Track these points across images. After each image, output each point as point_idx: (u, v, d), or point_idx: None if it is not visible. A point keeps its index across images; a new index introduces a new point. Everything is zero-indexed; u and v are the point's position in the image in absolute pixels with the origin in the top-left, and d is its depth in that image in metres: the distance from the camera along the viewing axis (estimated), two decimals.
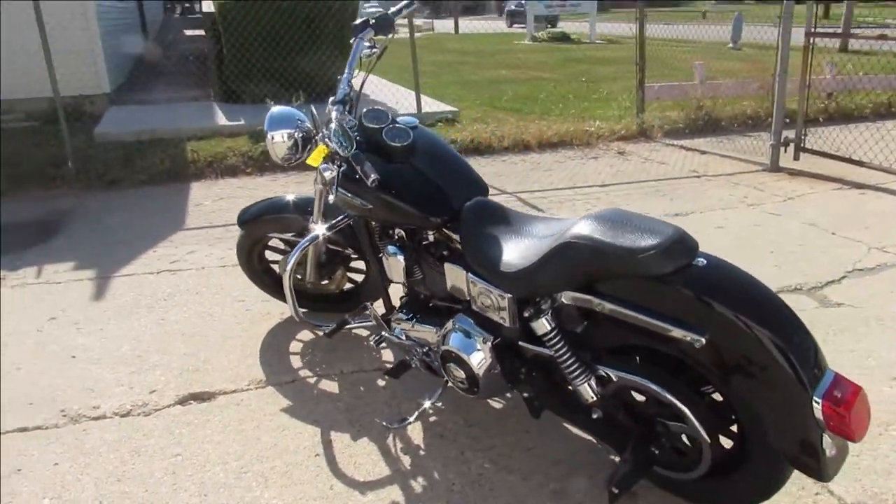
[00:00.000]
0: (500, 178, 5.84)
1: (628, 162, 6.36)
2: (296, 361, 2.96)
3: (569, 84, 10.93)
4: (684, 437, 1.99)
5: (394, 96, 7.89)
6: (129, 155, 6.20)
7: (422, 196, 2.31)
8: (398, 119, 2.49)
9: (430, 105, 7.79)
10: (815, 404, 1.66)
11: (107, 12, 8.22)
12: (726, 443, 1.95)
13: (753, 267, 1.90)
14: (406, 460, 2.33)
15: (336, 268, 3.03)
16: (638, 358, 2.00)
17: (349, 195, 2.39)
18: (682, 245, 1.78)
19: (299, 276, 3.01)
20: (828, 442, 1.69)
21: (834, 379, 1.69)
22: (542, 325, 2.02)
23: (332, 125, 2.30)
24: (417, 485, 2.22)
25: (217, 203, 5.35)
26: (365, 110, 2.44)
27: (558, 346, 2.01)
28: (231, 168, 6.20)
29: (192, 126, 6.79)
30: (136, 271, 3.95)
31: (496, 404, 2.62)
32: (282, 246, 3.14)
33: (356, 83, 2.53)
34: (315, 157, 2.39)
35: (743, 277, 1.80)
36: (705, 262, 1.80)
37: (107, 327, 3.28)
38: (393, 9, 2.67)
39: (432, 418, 2.55)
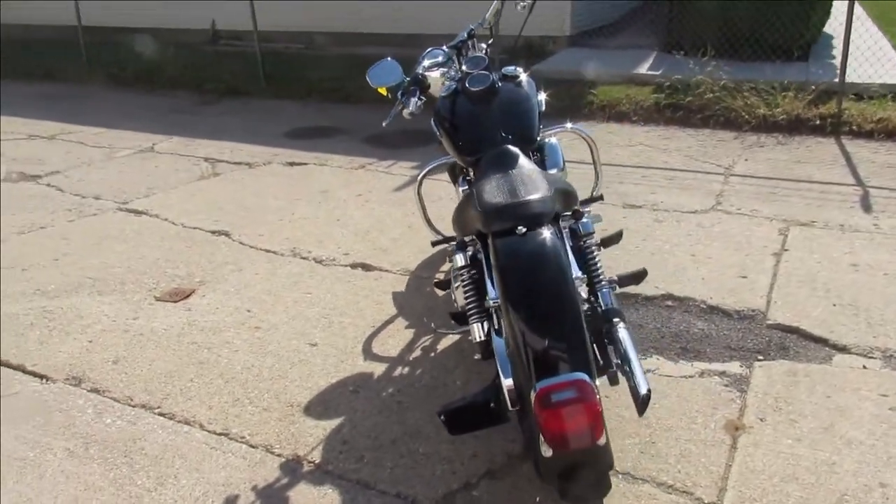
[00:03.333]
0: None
1: None
2: (445, 266, 3.54)
3: None
4: None
5: (858, 48, 6.63)
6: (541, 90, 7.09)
7: (466, 135, 2.60)
8: (506, 68, 2.76)
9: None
10: (532, 393, 1.61)
11: None
12: None
13: None
14: (416, 353, 2.80)
15: None
16: None
17: (434, 125, 2.82)
18: (512, 210, 1.83)
19: None
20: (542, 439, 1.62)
21: (570, 382, 1.59)
22: (456, 261, 2.23)
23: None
24: (403, 365, 2.71)
25: (573, 142, 5.88)
26: (470, 56, 2.79)
27: (464, 283, 2.20)
28: (620, 114, 6.57)
29: (612, 70, 7.30)
30: (437, 177, 4.92)
31: None
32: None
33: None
34: (383, 89, 2.86)
35: (542, 260, 1.76)
36: (524, 231, 1.80)
37: (377, 207, 4.36)
38: None
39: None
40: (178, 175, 5.18)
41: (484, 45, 2.96)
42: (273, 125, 6.61)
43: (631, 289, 3.19)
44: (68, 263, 3.70)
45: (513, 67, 2.76)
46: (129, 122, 6.88)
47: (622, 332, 2.01)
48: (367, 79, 2.71)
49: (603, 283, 2.09)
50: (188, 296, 3.34)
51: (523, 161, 2.41)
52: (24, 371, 2.77)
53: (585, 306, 2.03)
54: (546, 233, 1.82)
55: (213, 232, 4.07)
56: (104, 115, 7.15)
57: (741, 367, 2.65)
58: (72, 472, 2.22)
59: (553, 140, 2.79)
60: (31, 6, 11.68)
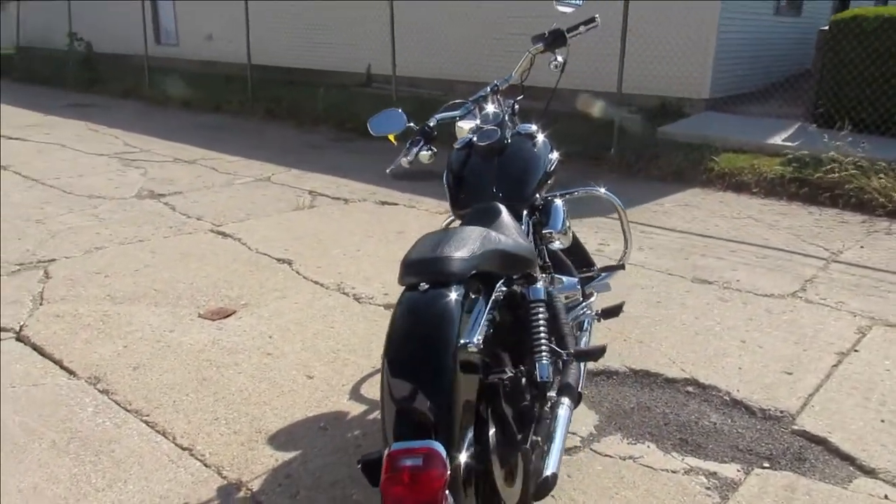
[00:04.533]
0: None
1: None
2: None
3: None
4: None
5: None
6: (662, 152, 6.82)
7: (463, 189, 2.58)
8: (522, 126, 2.72)
9: None
10: (385, 454, 1.55)
11: (744, 25, 8.63)
12: None
13: None
14: None
15: None
16: None
17: (445, 173, 2.81)
18: (419, 266, 1.79)
19: None
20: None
21: (421, 449, 1.51)
22: None
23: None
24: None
25: (675, 208, 5.61)
26: (486, 111, 2.78)
27: None
28: (739, 184, 6.16)
29: (743, 138, 6.88)
30: None
31: None
32: None
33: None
34: (391, 137, 2.86)
35: (426, 320, 1.68)
36: (426, 288, 1.74)
37: None
38: (570, 26, 2.77)
39: None
40: (278, 204, 5.54)
41: (512, 101, 2.93)
42: (385, 165, 6.86)
43: (652, 368, 3.00)
44: (144, 275, 4.07)
45: (528, 125, 2.71)
46: (264, 152, 7.48)
47: (559, 409, 1.89)
48: (368, 127, 2.77)
49: (543, 354, 1.96)
50: (227, 316, 3.55)
51: (503, 218, 2.34)
52: (61, 366, 3.07)
53: (510, 374, 1.91)
54: (451, 294, 1.75)
55: (279, 259, 4.30)
56: (246, 146, 7.84)
57: (738, 471, 2.36)
58: (45, 461, 2.42)
59: (558, 202, 2.69)
60: (212, 45, 13.15)
